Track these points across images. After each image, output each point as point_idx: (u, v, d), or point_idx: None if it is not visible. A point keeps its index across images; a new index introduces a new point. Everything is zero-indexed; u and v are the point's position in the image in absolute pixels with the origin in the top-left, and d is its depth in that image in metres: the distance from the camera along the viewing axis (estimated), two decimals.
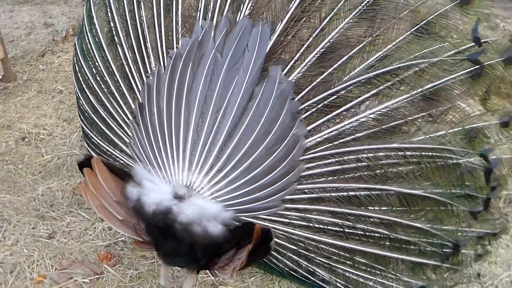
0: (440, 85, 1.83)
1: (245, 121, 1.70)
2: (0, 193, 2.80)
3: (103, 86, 1.95)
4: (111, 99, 1.92)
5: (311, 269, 1.92)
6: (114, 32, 1.98)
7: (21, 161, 3.10)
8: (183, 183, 1.65)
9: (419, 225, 1.92)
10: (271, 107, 1.72)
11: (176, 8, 1.89)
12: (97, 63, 1.99)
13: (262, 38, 1.78)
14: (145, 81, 1.84)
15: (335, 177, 1.80)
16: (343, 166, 1.79)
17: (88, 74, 2.01)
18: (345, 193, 1.81)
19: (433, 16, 1.82)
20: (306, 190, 1.77)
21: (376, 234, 1.89)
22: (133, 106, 1.86)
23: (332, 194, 1.80)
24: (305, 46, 1.77)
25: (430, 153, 1.87)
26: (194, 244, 1.62)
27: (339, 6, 1.79)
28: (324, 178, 1.80)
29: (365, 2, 1.79)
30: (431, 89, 1.82)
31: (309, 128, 1.77)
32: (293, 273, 1.94)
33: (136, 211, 1.61)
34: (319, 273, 1.94)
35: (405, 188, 1.85)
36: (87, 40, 2.06)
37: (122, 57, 1.94)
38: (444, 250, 2.07)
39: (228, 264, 1.66)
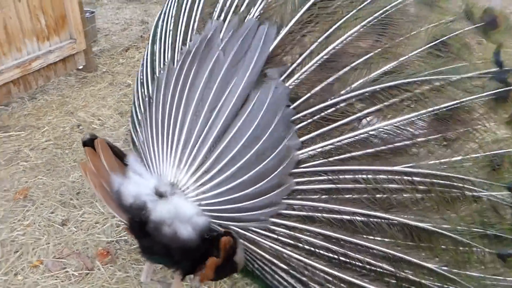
0: (457, 105, 1.65)
1: (237, 124, 1.60)
2: (39, 174, 2.95)
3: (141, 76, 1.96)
4: (139, 85, 1.92)
5: None
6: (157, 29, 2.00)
7: (69, 147, 3.25)
8: (169, 180, 1.58)
9: (431, 266, 1.68)
10: (264, 112, 1.61)
11: (198, 5, 1.86)
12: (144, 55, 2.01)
13: (266, 39, 1.69)
14: (156, 75, 1.81)
15: (328, 197, 1.64)
16: (338, 185, 1.64)
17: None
18: (338, 216, 1.64)
19: (451, 35, 1.69)
20: (295, 207, 1.64)
21: (377, 269, 1.68)
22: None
23: (324, 215, 1.64)
24: (308, 51, 1.66)
25: (442, 181, 1.65)
26: (168, 245, 1.52)
27: (351, 15, 1.67)
28: (316, 196, 1.65)
29: (377, 13, 1.66)
30: (447, 109, 1.64)
31: (302, 139, 1.64)
32: None
33: (118, 200, 1.54)
34: None
35: (410, 219, 1.64)
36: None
37: (150, 50, 1.94)
38: None
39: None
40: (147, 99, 1.80)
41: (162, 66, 1.82)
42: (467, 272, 1.77)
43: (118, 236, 2.51)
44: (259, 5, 1.76)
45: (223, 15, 1.79)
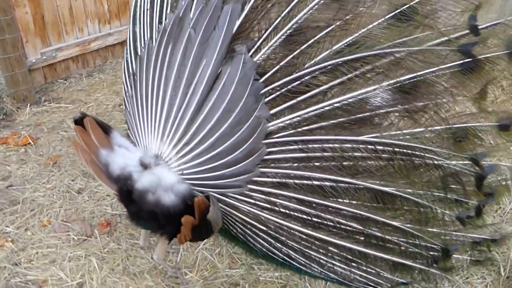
0: (419, 78, 1.68)
1: (212, 98, 1.71)
2: (72, 146, 3.21)
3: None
4: (125, 64, 2.01)
5: (289, 253, 1.92)
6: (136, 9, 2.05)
7: (107, 123, 3.48)
8: (154, 153, 1.71)
9: (396, 223, 1.85)
10: (235, 86, 1.71)
11: None
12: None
13: (232, 16, 1.76)
14: (138, 54, 1.90)
15: (299, 164, 1.77)
16: (308, 154, 1.76)
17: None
18: (309, 182, 1.78)
19: (415, 1, 1.67)
20: (269, 174, 1.77)
21: (347, 228, 1.85)
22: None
23: (296, 181, 1.77)
24: (272, 26, 1.74)
25: (404, 150, 1.75)
26: (153, 211, 1.67)
27: None
28: (288, 164, 1.77)
29: None
30: (408, 81, 1.68)
31: (272, 111, 1.75)
32: (272, 255, 1.95)
33: (107, 173, 1.68)
34: (295, 257, 1.93)
35: (375, 184, 1.78)
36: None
37: (131, 30, 2.00)
38: (431, 253, 1.97)
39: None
40: (132, 76, 1.89)
41: (143, 45, 1.91)
42: (428, 229, 1.91)
43: (122, 210, 2.65)
44: None
45: None
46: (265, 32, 1.75)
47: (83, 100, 3.80)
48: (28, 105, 3.61)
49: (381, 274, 2.00)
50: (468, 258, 2.11)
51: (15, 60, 3.46)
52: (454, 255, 2.06)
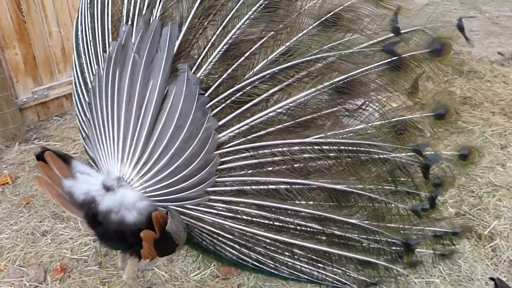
0: (351, 78, 1.80)
1: (163, 117, 1.78)
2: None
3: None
4: (76, 98, 2.07)
5: (258, 258, 1.98)
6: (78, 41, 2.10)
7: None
8: (116, 175, 1.77)
9: (354, 221, 1.92)
10: (182, 103, 1.79)
11: (107, 12, 1.98)
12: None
13: (171, 37, 1.84)
14: (90, 84, 1.95)
15: (253, 171, 1.85)
16: (260, 160, 1.84)
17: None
18: (265, 187, 1.85)
19: (339, 8, 1.79)
20: (227, 183, 1.84)
21: (308, 229, 1.91)
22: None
23: (253, 187, 1.85)
24: (210, 43, 1.83)
25: (350, 148, 1.84)
26: (119, 230, 1.74)
27: (240, 3, 1.82)
28: (244, 172, 1.85)
29: None
30: (342, 82, 1.79)
31: (220, 123, 1.83)
32: (243, 262, 2.01)
33: (71, 200, 1.72)
34: (265, 261, 1.99)
35: (327, 183, 1.86)
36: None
37: (77, 63, 2.04)
38: (393, 248, 2.04)
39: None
40: (86, 106, 1.95)
41: (91, 75, 1.96)
42: (386, 224, 1.99)
43: (81, 254, 2.58)
44: (159, 6, 1.89)
45: (130, 19, 1.92)
46: (204, 50, 1.84)
47: (72, 138, 3.82)
48: (17, 143, 3.67)
49: (348, 273, 2.05)
50: (432, 252, 2.16)
51: (3, 100, 3.54)
52: (416, 249, 2.11)
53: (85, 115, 1.96)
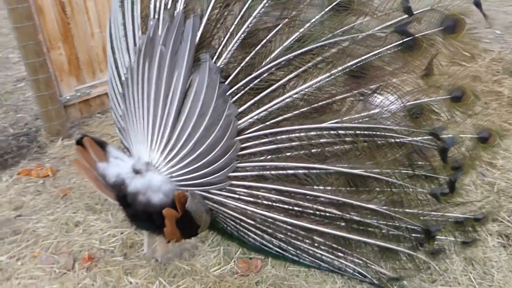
0: (365, 61, 1.83)
1: (187, 105, 1.90)
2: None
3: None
4: (111, 89, 2.20)
5: (280, 245, 2.06)
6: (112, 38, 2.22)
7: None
8: (145, 160, 1.92)
9: (373, 206, 1.96)
10: (205, 91, 1.89)
11: (136, 9, 2.11)
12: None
13: (194, 29, 1.95)
14: (123, 76, 2.10)
15: (272, 156, 1.93)
16: (278, 145, 1.91)
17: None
18: (284, 172, 1.92)
19: None
20: (247, 168, 1.94)
21: (327, 214, 1.97)
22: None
23: (273, 172, 1.93)
24: (228, 33, 1.93)
25: (365, 132, 1.87)
26: (146, 211, 1.89)
27: None
28: (263, 157, 1.94)
29: None
30: (355, 66, 1.83)
31: (240, 109, 1.92)
32: (265, 248, 2.10)
33: (105, 183, 1.90)
34: (286, 248, 2.07)
35: (344, 167, 1.90)
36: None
37: (112, 60, 2.18)
38: (413, 235, 2.04)
39: None
40: (121, 97, 2.10)
41: (125, 68, 2.09)
42: (406, 210, 2.01)
43: (109, 245, 2.68)
44: (182, 0, 2.00)
45: (156, 13, 2.03)
46: (223, 39, 1.94)
47: (111, 134, 3.97)
48: (61, 138, 3.87)
49: (369, 264, 2.07)
50: (454, 239, 2.15)
51: (48, 97, 3.75)
52: (437, 236, 2.09)
53: (120, 107, 2.10)
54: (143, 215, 1.92)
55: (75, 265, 2.55)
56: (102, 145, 1.96)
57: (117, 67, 2.13)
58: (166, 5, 2.01)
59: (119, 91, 2.12)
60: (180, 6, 1.99)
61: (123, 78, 2.08)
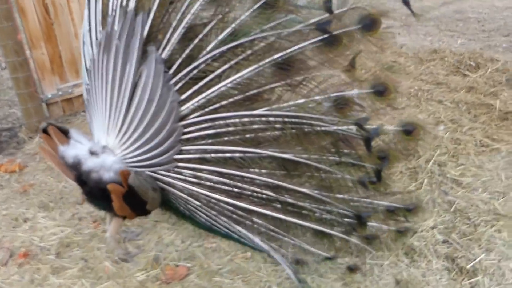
0: (290, 55, 1.99)
1: (138, 93, 2.09)
2: (53, 174, 3.45)
3: None
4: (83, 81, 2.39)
5: (226, 225, 2.23)
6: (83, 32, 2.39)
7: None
8: (102, 144, 2.15)
9: (305, 190, 2.10)
10: (152, 80, 2.08)
11: (97, 6, 2.27)
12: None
13: (142, 24, 2.13)
14: (87, 66, 2.30)
15: (212, 140, 2.10)
16: (217, 130, 2.08)
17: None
18: (222, 155, 2.10)
19: None
20: (191, 151, 2.12)
21: (264, 196, 2.12)
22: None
23: (213, 155, 2.11)
24: (172, 27, 2.12)
25: (293, 120, 2.03)
26: (99, 188, 2.11)
27: None
28: (204, 141, 2.11)
29: None
30: (281, 59, 2.00)
31: (182, 97, 2.10)
32: (215, 228, 2.28)
33: (65, 164, 2.14)
34: (233, 228, 2.23)
35: (275, 152, 2.07)
36: None
37: (84, 52, 2.34)
38: (346, 220, 2.19)
39: None
40: (87, 86, 2.30)
41: (89, 60, 2.28)
42: (336, 195, 2.15)
43: (47, 243, 2.75)
44: None
45: (114, 11, 2.20)
46: (167, 33, 2.11)
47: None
48: (39, 135, 3.99)
49: (305, 248, 2.22)
50: (386, 227, 2.28)
51: (27, 95, 3.89)
52: (369, 223, 2.22)
53: (86, 93, 2.32)
54: (97, 192, 2.13)
55: (9, 260, 2.62)
56: (65, 132, 2.18)
57: (85, 60, 2.32)
58: (121, 3, 2.19)
59: (86, 83, 2.31)
60: (132, 4, 2.16)
61: (88, 70, 2.27)
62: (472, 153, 3.42)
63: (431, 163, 3.28)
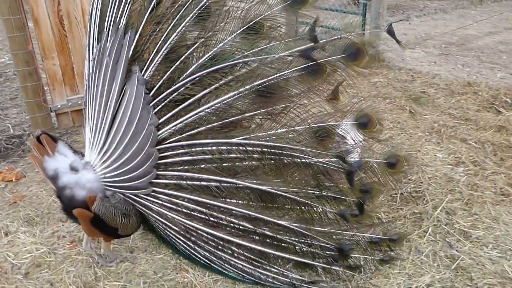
0: (271, 82, 1.93)
1: (120, 113, 2.06)
2: (46, 187, 3.41)
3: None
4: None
5: (205, 254, 2.17)
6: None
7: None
8: (86, 160, 2.13)
9: (284, 223, 2.03)
10: (133, 101, 2.04)
11: (94, 22, 2.26)
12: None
13: (129, 43, 2.10)
14: (85, 81, 2.26)
15: (188, 167, 2.05)
16: (194, 157, 2.02)
17: None
18: (198, 183, 2.04)
19: (260, 17, 1.97)
20: (167, 176, 2.07)
21: (240, 227, 2.06)
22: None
23: (189, 182, 2.05)
24: (156, 48, 2.07)
25: (272, 150, 1.95)
26: (72, 205, 2.06)
27: (179, 15, 2.07)
28: (181, 167, 2.06)
29: (198, 6, 2.04)
30: (262, 86, 1.94)
31: (161, 120, 2.05)
32: (194, 256, 2.22)
33: (47, 175, 2.11)
34: (211, 258, 2.17)
35: (253, 183, 1.99)
36: None
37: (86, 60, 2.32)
38: (327, 252, 2.10)
39: None
40: (83, 100, 2.26)
41: (87, 75, 2.25)
42: (317, 228, 2.07)
43: (20, 260, 2.68)
44: (125, 15, 2.15)
45: (108, 27, 2.18)
46: (151, 54, 2.08)
47: None
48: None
49: (286, 274, 2.13)
50: (371, 257, 2.21)
51: (35, 104, 3.91)
52: (353, 255, 2.16)
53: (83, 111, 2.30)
54: (70, 208, 2.07)
55: None
56: (56, 141, 2.17)
57: (84, 74, 2.30)
58: (114, 20, 2.17)
59: (83, 98, 2.30)
60: (123, 21, 2.14)
61: (85, 84, 2.25)
62: (489, 202, 3.08)
63: (439, 209, 2.97)
